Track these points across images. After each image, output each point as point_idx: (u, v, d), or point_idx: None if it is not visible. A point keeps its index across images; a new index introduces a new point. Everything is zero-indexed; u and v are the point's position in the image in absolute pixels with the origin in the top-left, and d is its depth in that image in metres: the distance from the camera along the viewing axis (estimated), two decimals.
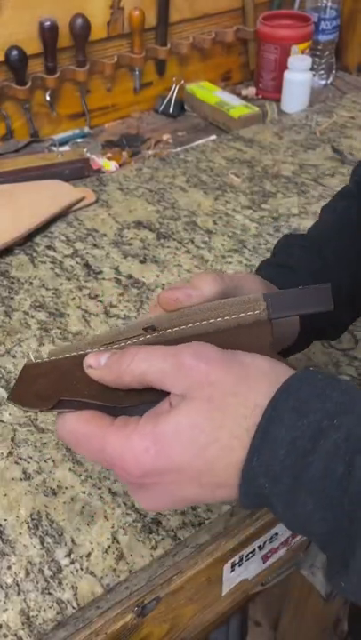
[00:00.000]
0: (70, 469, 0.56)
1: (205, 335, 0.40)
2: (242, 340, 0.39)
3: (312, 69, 1.21)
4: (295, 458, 0.33)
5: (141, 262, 0.81)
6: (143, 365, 0.37)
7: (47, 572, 0.49)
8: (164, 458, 0.35)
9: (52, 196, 0.90)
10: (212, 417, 0.35)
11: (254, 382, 0.36)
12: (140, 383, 0.37)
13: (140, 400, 0.38)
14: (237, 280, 0.45)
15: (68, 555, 0.50)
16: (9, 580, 0.48)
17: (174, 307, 0.42)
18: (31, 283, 0.78)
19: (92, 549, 0.50)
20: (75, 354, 0.41)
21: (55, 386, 0.40)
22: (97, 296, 0.76)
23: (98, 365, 0.38)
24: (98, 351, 0.40)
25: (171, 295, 0.43)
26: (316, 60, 1.27)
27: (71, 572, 0.49)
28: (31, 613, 0.46)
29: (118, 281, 0.78)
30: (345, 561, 0.32)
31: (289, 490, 0.33)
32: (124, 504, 0.53)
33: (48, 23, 1.02)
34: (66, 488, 0.54)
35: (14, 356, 0.68)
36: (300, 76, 1.17)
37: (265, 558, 0.64)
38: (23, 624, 0.46)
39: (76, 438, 0.38)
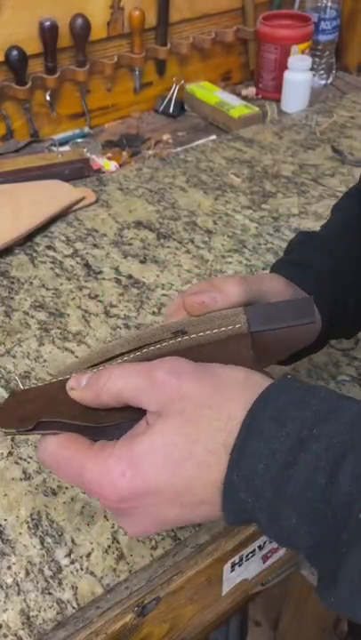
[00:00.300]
0: None
1: (188, 349, 0.40)
2: (223, 353, 0.39)
3: (312, 69, 1.21)
4: (276, 471, 0.32)
5: (141, 262, 0.81)
6: (119, 383, 0.36)
7: (47, 572, 0.49)
8: (140, 480, 0.34)
9: (52, 196, 0.90)
10: (186, 432, 0.34)
11: (228, 392, 0.35)
12: (117, 401, 0.37)
13: (121, 418, 0.38)
14: (261, 281, 0.45)
15: (68, 555, 0.50)
16: (9, 580, 0.48)
17: (200, 311, 0.42)
18: (31, 283, 0.78)
19: (92, 549, 0.50)
20: (61, 378, 0.41)
21: (39, 409, 0.39)
22: (97, 296, 0.76)
23: (78, 387, 0.38)
24: (80, 373, 0.39)
25: (197, 299, 0.42)
26: (316, 59, 1.27)
27: (71, 572, 0.49)
28: (31, 613, 0.46)
29: (118, 281, 0.78)
30: (333, 575, 0.31)
31: (271, 504, 0.32)
32: None
33: (48, 23, 1.02)
34: (66, 488, 0.54)
35: (14, 356, 0.68)
36: (300, 76, 1.17)
37: (265, 558, 0.64)
38: (23, 624, 0.46)
39: (56, 462, 0.37)
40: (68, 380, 0.39)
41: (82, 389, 0.38)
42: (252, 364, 0.39)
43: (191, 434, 0.34)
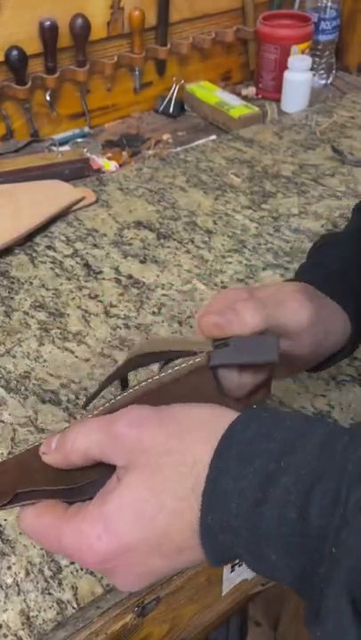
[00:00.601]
0: None
1: (152, 392, 0.39)
2: (187, 389, 0.39)
3: (312, 69, 1.21)
4: (247, 509, 0.31)
5: (141, 262, 0.81)
6: (85, 441, 0.36)
7: (47, 573, 0.49)
8: (115, 541, 0.33)
9: (52, 196, 0.90)
10: (152, 484, 0.33)
11: (190, 434, 0.34)
12: (86, 460, 0.37)
13: (96, 474, 0.37)
14: (280, 304, 0.45)
15: None
16: (9, 581, 0.48)
17: (216, 334, 0.42)
18: (31, 283, 0.78)
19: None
20: (32, 445, 0.40)
21: (15, 481, 0.38)
22: (97, 296, 0.76)
23: (49, 451, 0.38)
24: (50, 436, 0.39)
25: (211, 320, 0.42)
26: (316, 59, 1.27)
27: (71, 573, 0.49)
28: (31, 613, 0.46)
29: (118, 281, 0.78)
30: (317, 608, 0.30)
31: (248, 542, 0.32)
32: None
33: (48, 23, 1.02)
34: None
35: (14, 356, 0.68)
36: (300, 76, 1.17)
37: None
38: (23, 624, 0.46)
39: (35, 532, 0.37)
40: (38, 446, 0.39)
41: (52, 453, 0.38)
42: (217, 397, 0.38)
43: (158, 485, 0.33)
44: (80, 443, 0.36)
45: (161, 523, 0.33)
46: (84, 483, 0.38)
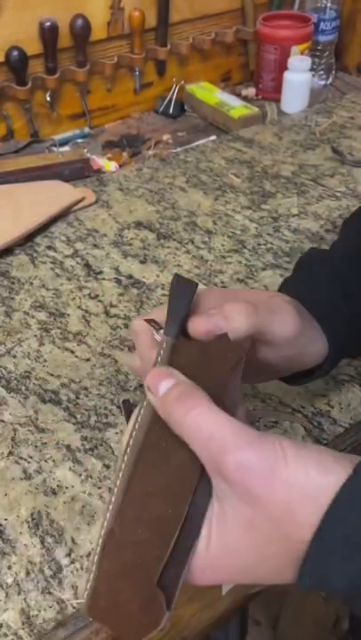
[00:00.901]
0: (70, 469, 0.56)
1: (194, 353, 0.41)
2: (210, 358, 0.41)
3: (312, 70, 1.21)
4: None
5: (141, 262, 0.81)
6: (190, 434, 0.35)
7: (47, 572, 0.49)
8: (215, 578, 0.36)
9: (52, 196, 0.91)
10: (259, 550, 0.34)
11: (297, 510, 0.33)
12: (181, 437, 0.36)
13: (184, 457, 0.37)
14: (273, 312, 0.45)
15: (69, 554, 0.50)
16: (9, 580, 0.48)
17: (203, 337, 0.42)
18: (31, 283, 0.78)
19: (93, 549, 0.50)
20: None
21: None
22: (97, 296, 0.76)
23: (155, 392, 0.38)
24: (160, 371, 0.39)
25: (200, 327, 0.42)
26: (316, 60, 1.27)
27: (71, 572, 0.49)
28: (31, 613, 0.47)
29: (118, 281, 0.78)
30: None
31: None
32: None
33: (48, 23, 1.02)
34: (66, 488, 0.54)
35: (14, 356, 0.68)
36: (299, 77, 1.17)
37: None
38: (23, 624, 0.46)
39: None
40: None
41: (158, 400, 0.37)
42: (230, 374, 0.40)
43: (265, 549, 0.34)
44: (186, 429, 0.35)
45: (260, 573, 0.35)
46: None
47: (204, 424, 0.35)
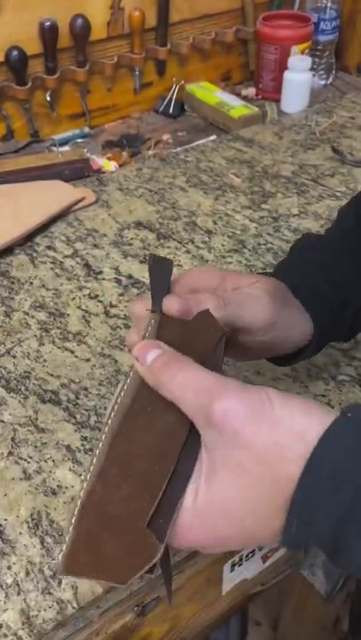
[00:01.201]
0: (70, 469, 0.56)
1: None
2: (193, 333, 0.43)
3: (312, 70, 1.21)
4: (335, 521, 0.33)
5: (141, 262, 0.81)
6: (177, 392, 0.37)
7: (47, 572, 0.49)
8: (204, 535, 0.36)
9: (52, 196, 0.90)
10: (247, 494, 0.34)
11: (286, 450, 0.34)
12: (172, 401, 0.37)
13: (175, 418, 0.38)
14: (241, 306, 0.46)
15: None
16: (9, 580, 0.48)
17: (177, 316, 0.44)
18: (31, 283, 0.78)
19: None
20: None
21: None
22: (97, 296, 0.76)
23: (143, 362, 0.39)
24: (148, 342, 0.40)
25: (175, 307, 0.44)
26: (316, 60, 1.27)
27: None
28: (31, 613, 0.46)
29: (118, 281, 0.78)
30: None
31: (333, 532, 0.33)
32: None
33: (48, 23, 1.02)
34: (66, 488, 0.54)
35: (14, 357, 0.68)
36: (299, 77, 1.17)
37: (265, 558, 0.64)
38: (23, 624, 0.46)
39: None
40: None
41: (145, 369, 0.39)
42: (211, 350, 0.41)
43: (252, 494, 0.34)
44: (174, 389, 0.37)
45: (249, 524, 0.35)
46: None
47: (190, 381, 0.36)
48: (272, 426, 0.34)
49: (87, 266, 0.81)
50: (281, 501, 0.34)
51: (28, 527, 0.52)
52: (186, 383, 0.36)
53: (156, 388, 0.38)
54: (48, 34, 1.02)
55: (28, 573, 0.49)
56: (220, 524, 0.35)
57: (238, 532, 0.35)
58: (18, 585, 0.48)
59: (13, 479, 0.55)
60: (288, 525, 0.34)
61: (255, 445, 0.34)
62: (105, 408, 0.61)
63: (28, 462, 0.57)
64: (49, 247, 0.84)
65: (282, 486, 0.34)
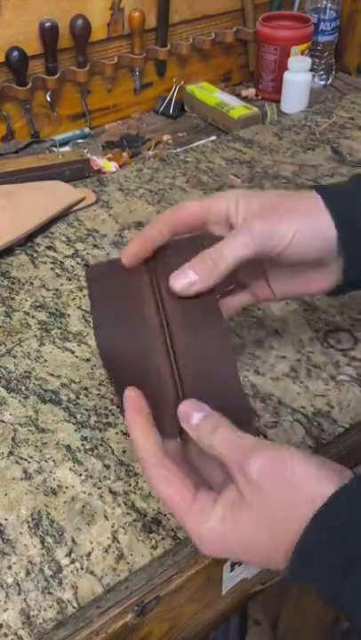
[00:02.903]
0: (71, 469, 0.56)
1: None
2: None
3: (312, 70, 1.21)
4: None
5: None
6: (219, 450, 0.43)
7: (47, 572, 0.49)
8: (222, 551, 0.43)
9: (52, 196, 0.91)
10: (264, 532, 0.40)
11: (298, 511, 0.39)
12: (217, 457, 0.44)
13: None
14: (275, 223, 0.50)
15: (69, 554, 0.50)
16: (9, 580, 0.48)
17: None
18: (32, 283, 0.78)
19: (93, 549, 0.50)
20: None
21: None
22: None
23: (188, 425, 0.45)
24: (192, 404, 0.46)
25: (177, 283, 0.49)
26: (316, 60, 1.27)
27: (71, 572, 0.49)
28: (31, 613, 0.47)
29: None
30: None
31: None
32: (124, 504, 0.53)
33: (48, 24, 1.02)
34: (66, 488, 0.55)
35: (15, 356, 0.68)
36: (299, 77, 1.17)
37: None
38: (23, 624, 0.46)
39: (160, 494, 0.43)
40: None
41: (193, 430, 0.45)
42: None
43: (265, 539, 0.41)
44: (216, 446, 0.43)
45: (260, 557, 0.42)
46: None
47: (222, 444, 0.43)
48: (291, 486, 0.40)
49: (87, 266, 0.81)
50: (288, 547, 0.40)
51: (29, 527, 0.52)
52: (222, 442, 0.43)
53: (200, 445, 0.44)
54: (48, 34, 1.03)
55: (28, 573, 0.49)
56: (234, 542, 0.41)
57: (248, 555, 0.42)
58: (18, 585, 0.48)
59: (14, 479, 0.55)
60: (290, 565, 0.40)
61: (276, 493, 0.40)
62: (105, 408, 0.62)
63: (29, 462, 0.57)
64: (49, 247, 0.84)
65: (291, 536, 0.39)
